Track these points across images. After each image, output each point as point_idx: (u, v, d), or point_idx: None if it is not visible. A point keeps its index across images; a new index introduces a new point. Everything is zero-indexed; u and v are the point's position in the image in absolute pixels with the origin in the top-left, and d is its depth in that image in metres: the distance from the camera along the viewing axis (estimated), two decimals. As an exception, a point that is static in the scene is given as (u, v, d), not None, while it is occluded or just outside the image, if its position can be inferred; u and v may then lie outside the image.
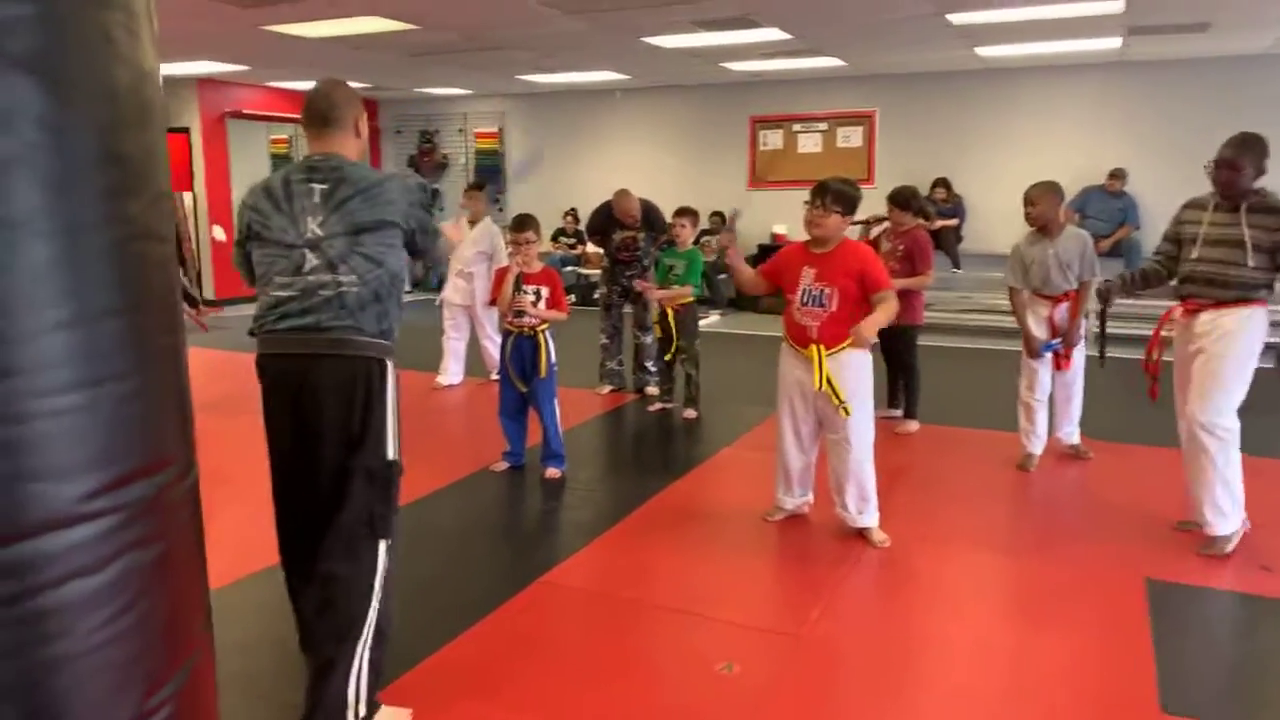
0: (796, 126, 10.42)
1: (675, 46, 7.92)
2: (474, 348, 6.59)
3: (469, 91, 11.77)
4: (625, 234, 6.18)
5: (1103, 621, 3.04)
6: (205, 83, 10.30)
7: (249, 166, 10.65)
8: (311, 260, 2.28)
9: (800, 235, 10.41)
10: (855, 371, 3.53)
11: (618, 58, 8.74)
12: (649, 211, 6.20)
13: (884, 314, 3.44)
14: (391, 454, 2.33)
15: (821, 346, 3.47)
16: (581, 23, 6.83)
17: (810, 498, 3.91)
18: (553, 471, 4.46)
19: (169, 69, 9.44)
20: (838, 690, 2.69)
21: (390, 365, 2.36)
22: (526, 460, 4.62)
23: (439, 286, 11.66)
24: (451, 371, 6.53)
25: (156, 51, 0.93)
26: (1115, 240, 8.70)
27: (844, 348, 3.48)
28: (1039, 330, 4.48)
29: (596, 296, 7.02)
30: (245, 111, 10.73)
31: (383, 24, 6.89)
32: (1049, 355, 4.50)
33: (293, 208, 2.30)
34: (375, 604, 2.31)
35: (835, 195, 3.44)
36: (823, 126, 10.30)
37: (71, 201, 0.83)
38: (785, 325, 3.64)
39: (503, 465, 4.61)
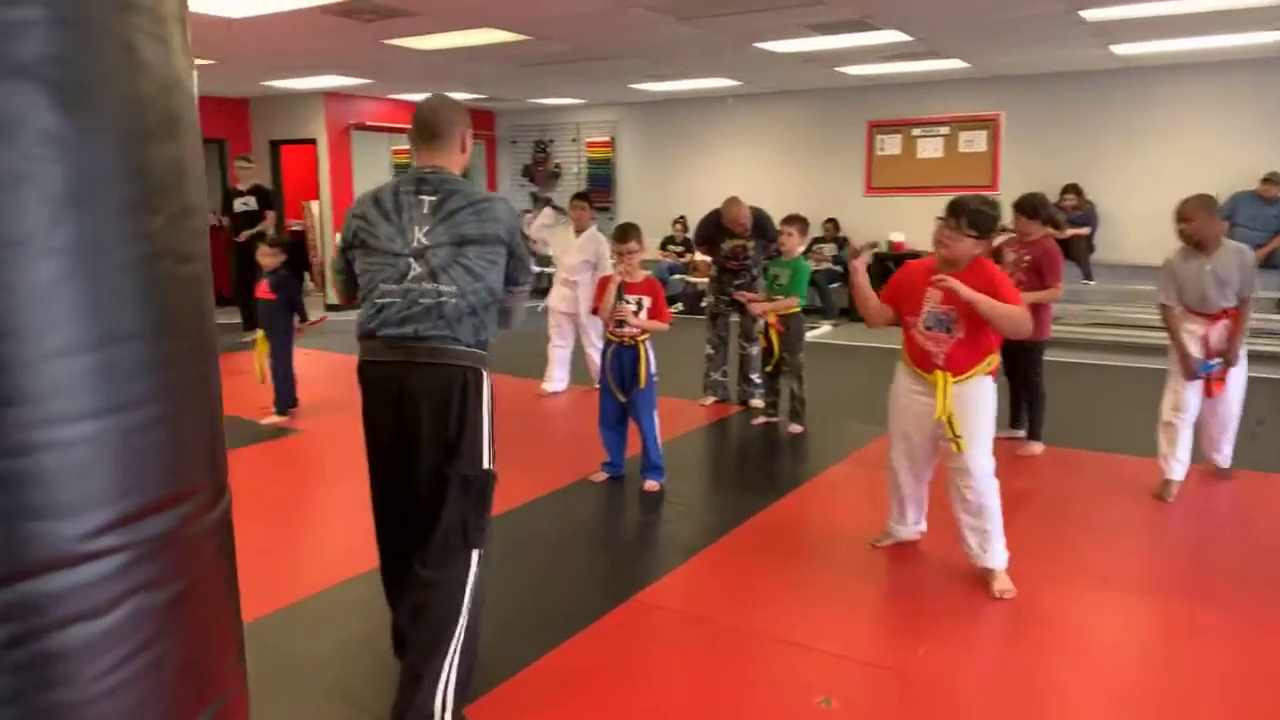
0: (916, 131, 10.05)
1: (789, 51, 7.74)
2: (580, 355, 6.58)
3: (582, 101, 11.86)
4: (734, 243, 6.04)
5: (1261, 673, 2.73)
6: (331, 96, 10.71)
7: (372, 176, 11.01)
8: (415, 269, 2.31)
9: (920, 243, 10.03)
10: (979, 401, 3.28)
11: (730, 64, 8.62)
12: (759, 219, 6.05)
13: (1003, 315, 3.16)
14: (487, 463, 2.33)
15: (948, 375, 3.25)
16: (693, 29, 6.75)
17: (923, 526, 3.69)
18: (651, 484, 4.37)
19: (298, 83, 9.86)
20: (948, 736, 2.49)
21: (486, 375, 2.36)
22: (626, 471, 4.55)
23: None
24: (556, 379, 6.53)
25: (189, 59, 0.87)
26: (1270, 250, 8.00)
27: (970, 375, 3.25)
28: (1194, 349, 4.13)
29: (703, 305, 6.90)
30: (368, 123, 11.11)
31: (496, 35, 6.98)
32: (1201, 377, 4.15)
33: (401, 218, 2.34)
34: (466, 613, 2.31)
35: (972, 218, 3.17)
36: (944, 130, 9.89)
37: (84, 218, 0.77)
38: (905, 346, 3.43)
39: (602, 476, 4.55)
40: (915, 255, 9.82)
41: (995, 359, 3.33)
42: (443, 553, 2.28)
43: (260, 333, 5.65)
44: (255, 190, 8.97)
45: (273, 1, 5.84)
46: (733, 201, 6.00)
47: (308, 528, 4.03)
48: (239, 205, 8.94)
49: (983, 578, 3.33)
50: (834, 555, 3.64)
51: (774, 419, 5.63)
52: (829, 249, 10.32)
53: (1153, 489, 4.27)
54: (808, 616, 3.11)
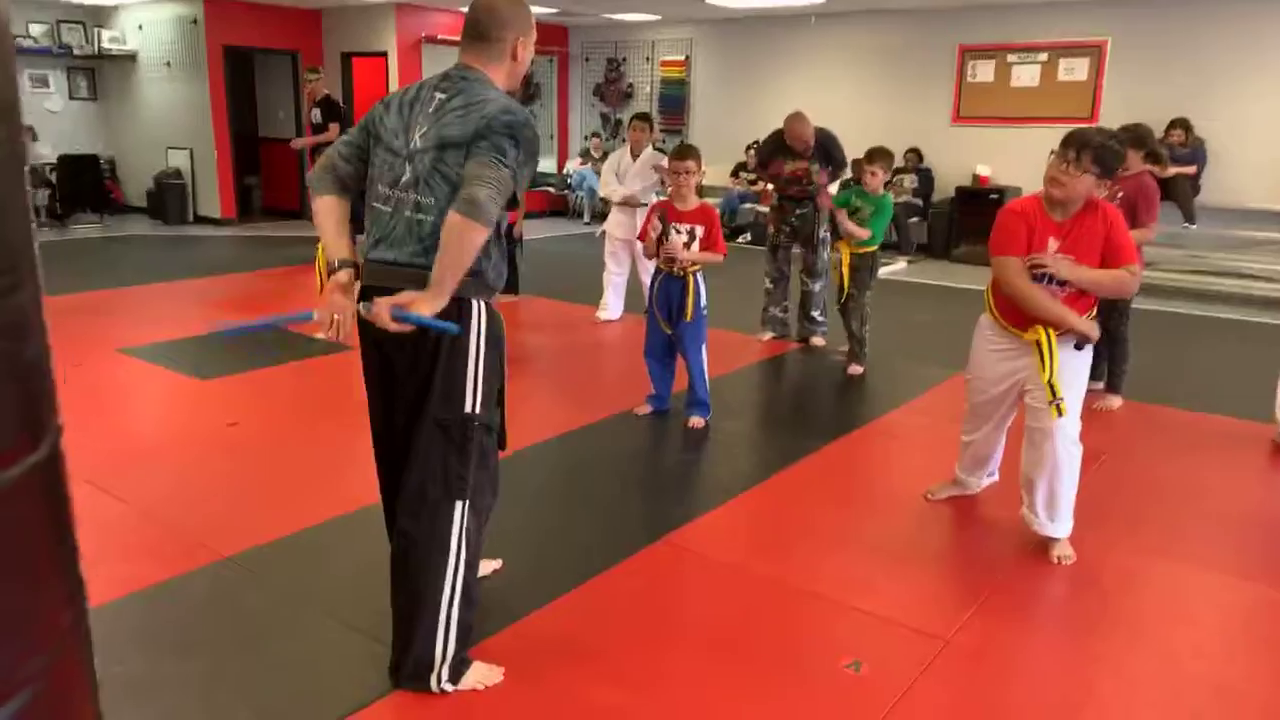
0: (1011, 57, 9.37)
1: (877, -36, 7.20)
2: (635, 282, 6.37)
3: (657, 17, 11.39)
4: (796, 164, 5.68)
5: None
6: (402, 8, 10.49)
7: (440, 92, 10.82)
8: (405, 174, 2.09)
9: (1008, 178, 9.44)
10: (1075, 360, 2.96)
11: (813, -22, 8.09)
12: (825, 141, 5.66)
13: (1103, 282, 2.86)
14: (470, 407, 2.11)
15: (1050, 331, 2.91)
16: (772, -63, 6.29)
17: (996, 477, 3.44)
18: (696, 420, 4.19)
19: (368, -7, 9.66)
20: (983, 708, 2.29)
21: (477, 306, 2.11)
22: (671, 406, 4.38)
23: (587, 217, 11.64)
24: (611, 307, 6.36)
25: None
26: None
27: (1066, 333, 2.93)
28: None
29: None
30: (440, 37, 10.88)
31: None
32: None
33: (411, 113, 2.12)
34: (453, 567, 2.14)
35: (1097, 153, 2.77)
36: (1042, 57, 9.19)
37: None
38: (994, 296, 3.08)
39: (646, 409, 4.39)
40: (1001, 191, 9.28)
41: (1095, 310, 3.00)
42: (419, 502, 2.11)
43: (320, 245, 5.59)
44: (323, 102, 8.88)
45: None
46: (796, 116, 5.61)
47: (343, 447, 3.97)
48: (312, 117, 8.88)
49: (1044, 542, 3.08)
50: (884, 507, 3.43)
51: (841, 354, 5.36)
52: (909, 181, 9.80)
53: (1263, 455, 3.92)
54: (847, 571, 2.92)
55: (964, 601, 2.75)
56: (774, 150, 5.73)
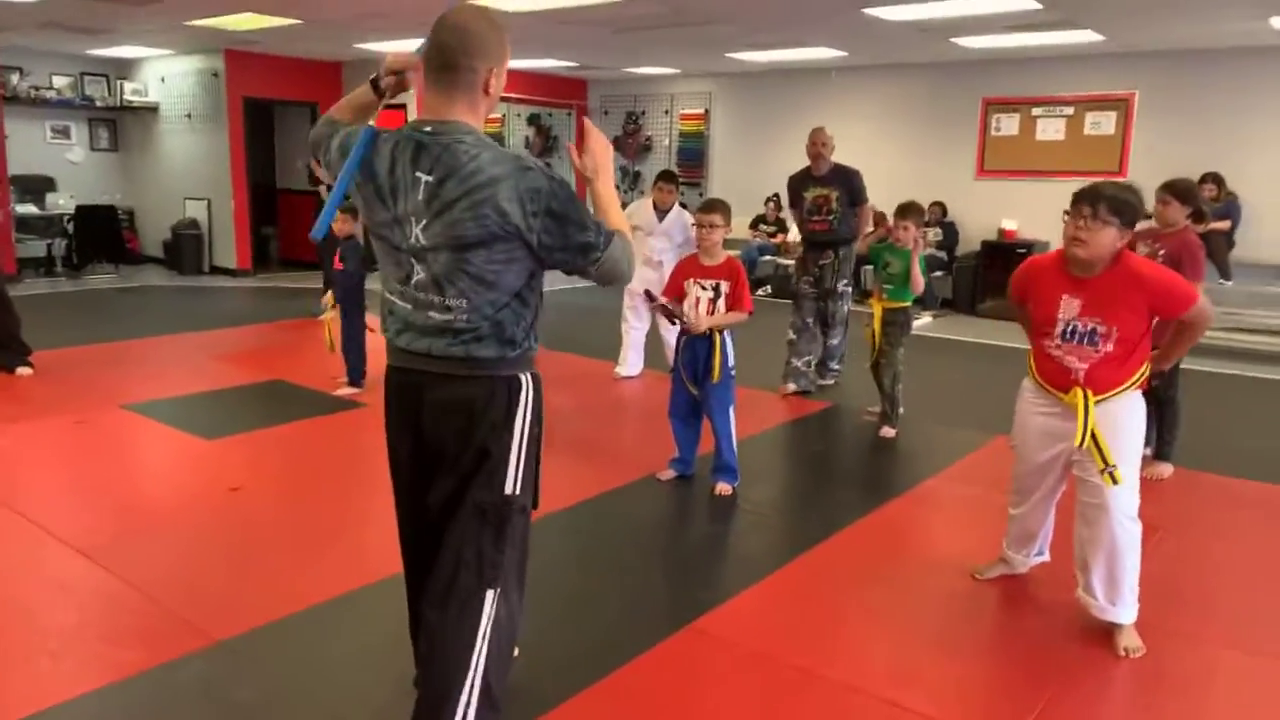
0: (1036, 110, 9.26)
1: (900, 19, 7.12)
2: (655, 338, 6.19)
3: (676, 71, 11.39)
4: (818, 191, 5.72)
5: None
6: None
7: (459, 144, 10.80)
8: (419, 273, 1.86)
9: (1033, 232, 9.29)
10: (1127, 424, 2.74)
11: (835, 32, 8.03)
12: (846, 171, 5.75)
13: (1184, 346, 2.70)
14: (512, 488, 1.92)
15: (1089, 393, 2.72)
16: (796, -10, 6.22)
17: (1046, 556, 3.20)
18: (723, 487, 3.97)
19: (389, 45, 9.67)
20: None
21: (526, 382, 1.93)
22: (696, 470, 4.16)
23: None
24: (630, 362, 6.17)
25: None
26: None
27: (1118, 393, 2.72)
28: None
29: (792, 287, 6.47)
30: (459, 89, 10.88)
31: (587, -5, 6.60)
32: None
33: (396, 202, 1.84)
34: (477, 662, 1.91)
35: (1111, 203, 2.61)
36: (1068, 110, 9.08)
37: None
38: (1034, 357, 2.90)
39: (669, 474, 4.17)
40: (1029, 246, 9.10)
41: (1146, 370, 2.79)
42: (450, 593, 1.90)
43: (328, 298, 5.46)
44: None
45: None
46: (816, 129, 5.76)
47: (349, 515, 3.77)
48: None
49: (1107, 629, 2.83)
50: (927, 587, 3.18)
51: (872, 416, 5.15)
52: (933, 234, 9.64)
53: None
54: (890, 662, 2.67)
55: (1024, 700, 2.49)
56: (800, 180, 5.81)
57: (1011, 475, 3.11)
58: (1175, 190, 4.16)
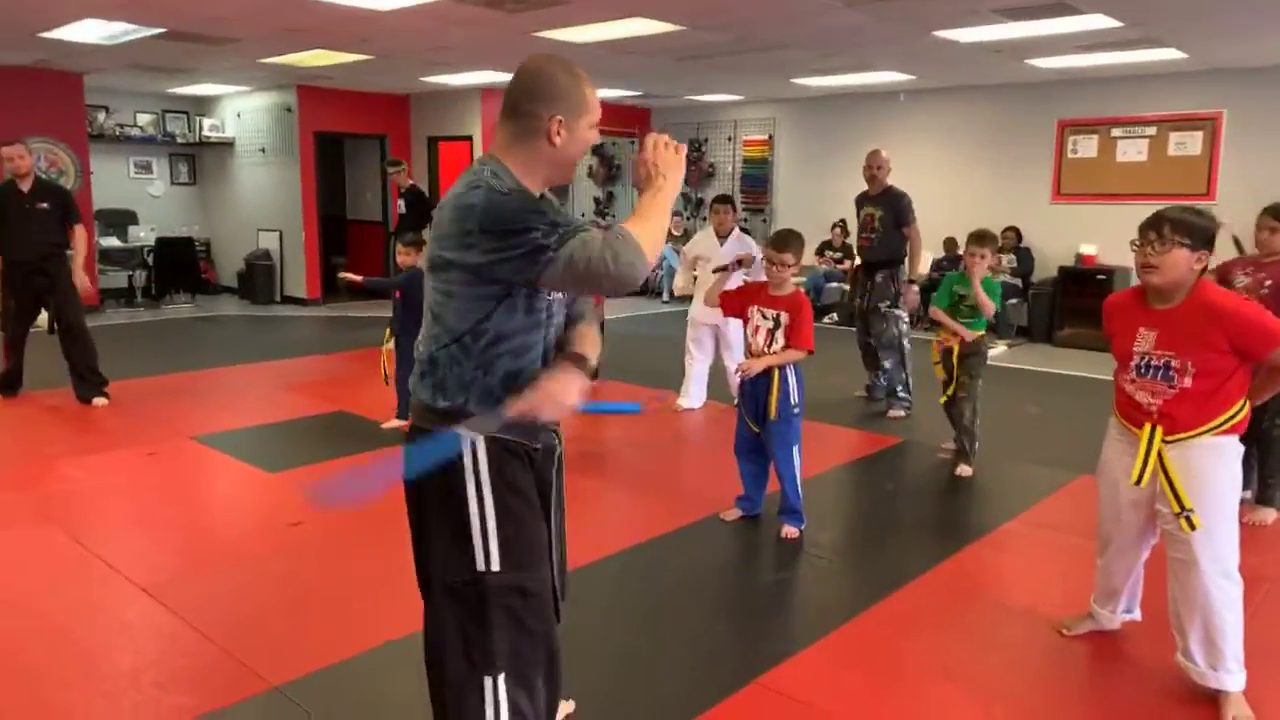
0: (1116, 131, 8.92)
1: (972, 41, 6.93)
2: (718, 370, 6.07)
3: (739, 97, 11.32)
4: (867, 211, 5.98)
5: None
6: (488, 92, 10.64)
7: (523, 173, 10.88)
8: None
9: (1114, 257, 8.92)
10: (1214, 471, 2.53)
11: (904, 55, 7.87)
12: (894, 192, 5.91)
13: (1273, 388, 2.50)
14: (483, 564, 1.73)
15: (1159, 430, 2.54)
16: (863, 15, 6.10)
17: (1137, 615, 2.98)
18: (789, 530, 3.82)
19: (454, 79, 9.81)
20: None
21: (471, 447, 1.73)
22: (763, 510, 4.01)
23: (666, 296, 11.39)
24: (693, 395, 6.05)
25: None
26: None
27: (1198, 434, 2.52)
28: None
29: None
30: (523, 120, 10.98)
31: (650, 25, 6.56)
32: None
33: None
34: None
35: (1175, 225, 2.46)
36: (1150, 131, 8.72)
37: None
38: (1116, 393, 2.73)
39: (735, 513, 4.03)
40: (1109, 272, 8.75)
41: (1242, 412, 2.57)
42: (442, 685, 1.79)
43: (388, 330, 5.47)
44: (408, 193, 8.97)
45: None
46: (872, 151, 6.03)
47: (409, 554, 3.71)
48: (400, 207, 9.01)
49: (1210, 696, 2.60)
50: (1012, 642, 2.98)
51: (946, 454, 4.94)
52: (1007, 260, 9.34)
53: None
54: (975, 729, 2.49)
55: (1124, 778, 2.29)
56: (859, 200, 6.10)
57: (1098, 520, 2.91)
58: (1278, 213, 3.91)
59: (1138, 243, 2.55)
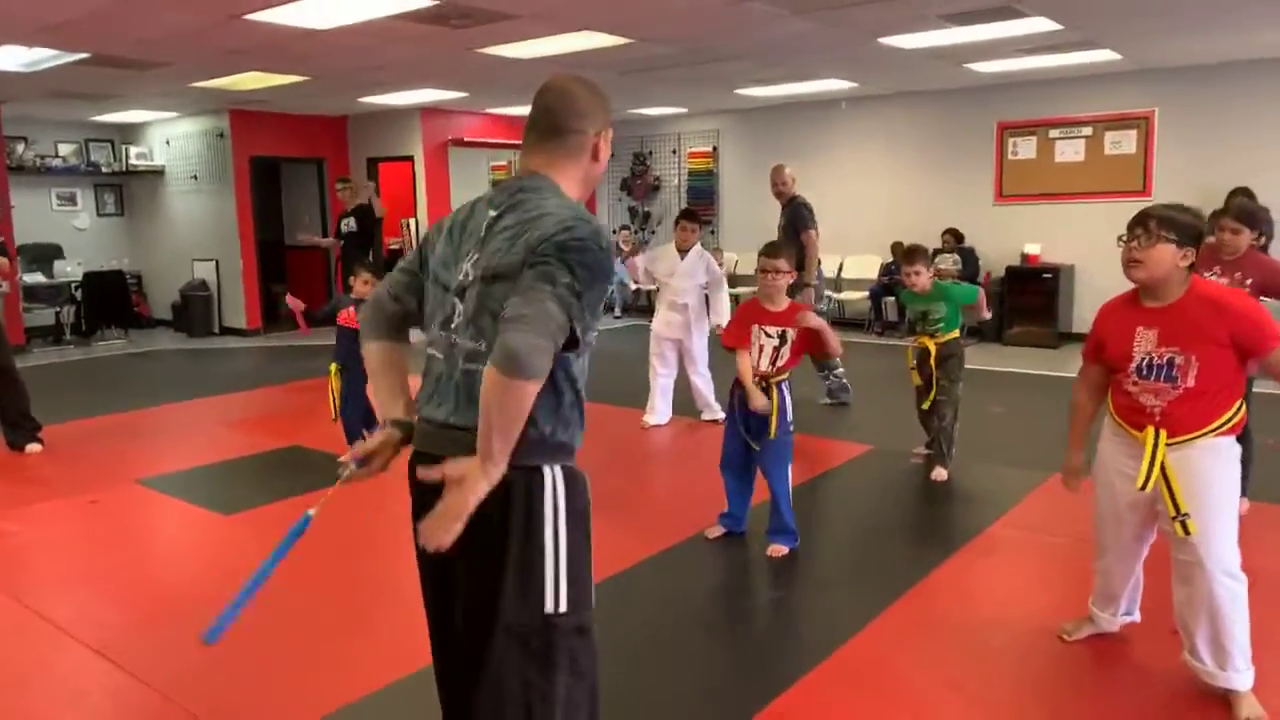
0: (1054, 132, 9.10)
1: (917, 47, 6.99)
2: (683, 383, 5.98)
3: (683, 110, 11.31)
4: (779, 222, 6.37)
5: None
6: (428, 112, 10.45)
7: (469, 193, 10.61)
8: (457, 314, 1.68)
9: (1059, 255, 9.06)
10: (1215, 471, 2.50)
11: (847, 63, 7.91)
12: (793, 200, 6.23)
13: None
14: (553, 605, 1.60)
15: (1163, 433, 2.51)
16: (810, 23, 6.09)
17: (1136, 616, 2.94)
18: (778, 548, 3.72)
19: (394, 99, 9.61)
20: None
21: (552, 475, 1.62)
22: (748, 526, 3.92)
23: (618, 310, 11.30)
24: (659, 411, 5.95)
25: None
26: None
27: (1200, 435, 2.50)
28: None
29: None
30: (466, 139, 10.81)
31: (597, 39, 6.48)
32: None
33: (459, 239, 1.72)
34: None
35: (1161, 221, 2.46)
36: (1086, 131, 8.92)
37: None
38: (1112, 394, 2.68)
39: (718, 531, 3.93)
40: (1054, 270, 8.90)
41: (1239, 413, 2.56)
42: None
43: (333, 366, 5.17)
44: (356, 211, 8.73)
45: (356, 10, 5.47)
46: (774, 168, 6.35)
47: (379, 598, 3.54)
48: (344, 226, 8.74)
49: (1220, 695, 2.57)
50: (1015, 651, 2.91)
51: (919, 459, 4.93)
52: (952, 262, 9.43)
53: None
54: (993, 747, 2.41)
55: (1151, 789, 2.23)
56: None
57: (1094, 523, 2.87)
58: (1239, 215, 3.92)
59: (1124, 239, 2.54)
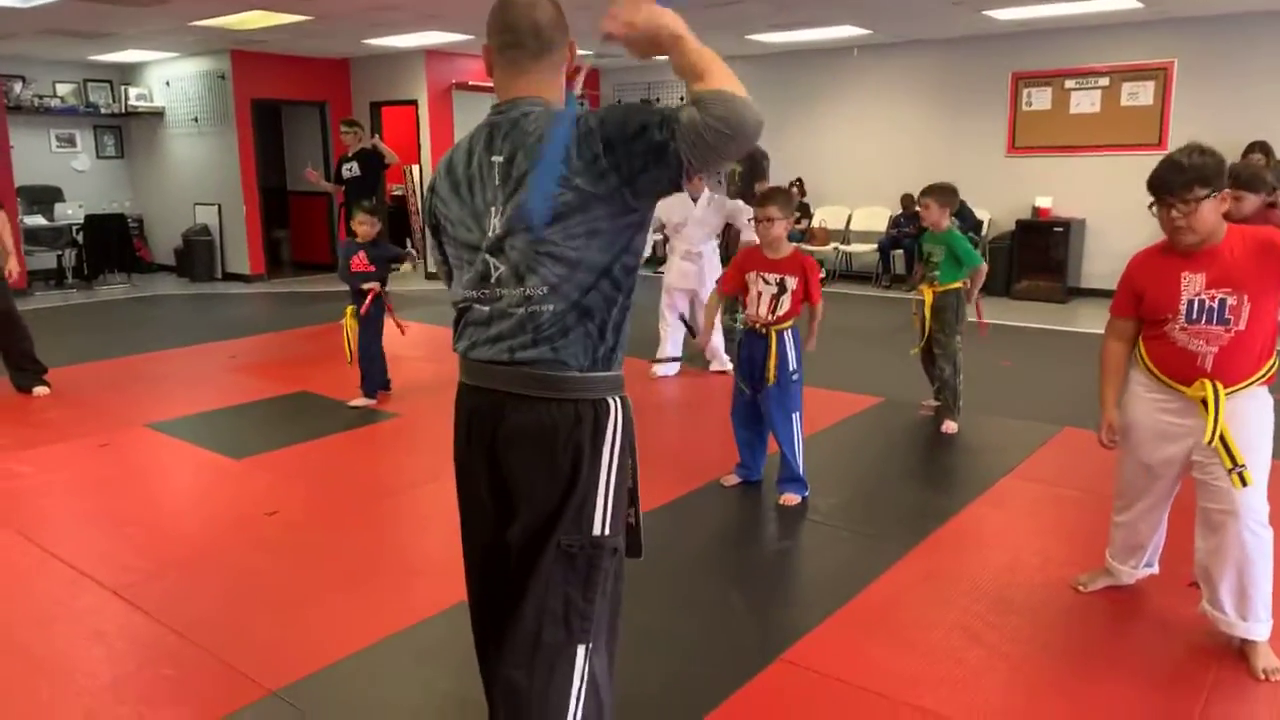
0: (1069, 83, 8.95)
1: (935, -9, 6.83)
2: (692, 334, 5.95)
3: (692, 56, 11.09)
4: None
5: None
6: (433, 55, 10.26)
7: (472, 138, 10.54)
8: (497, 268, 1.65)
9: (1071, 208, 8.97)
10: (1258, 420, 2.49)
11: (862, 8, 7.74)
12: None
13: None
14: (600, 528, 1.66)
15: (1219, 384, 2.46)
16: (829, -34, 5.94)
17: (1155, 569, 2.95)
18: (790, 497, 3.73)
19: (399, 41, 9.42)
20: None
21: (615, 405, 1.68)
22: (763, 475, 3.93)
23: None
24: (669, 362, 5.92)
25: None
26: None
27: (1245, 386, 2.47)
28: None
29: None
30: (471, 83, 10.63)
31: (608, -21, 6.31)
32: None
33: (474, 194, 1.68)
34: None
35: (1191, 173, 2.38)
36: (1103, 82, 8.77)
37: None
38: (1149, 348, 2.63)
39: (734, 480, 3.94)
40: (1065, 224, 8.82)
41: (1276, 363, 2.53)
42: (535, 650, 1.66)
43: (350, 308, 5.20)
44: (360, 155, 8.61)
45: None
46: None
47: (396, 540, 3.55)
48: (345, 171, 8.61)
49: (1238, 647, 2.59)
50: (1031, 603, 2.92)
51: (928, 411, 4.94)
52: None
53: None
54: (1010, 692, 2.43)
55: (1167, 737, 2.25)
56: None
57: (1116, 477, 2.86)
58: (1237, 179, 3.82)
59: (1155, 206, 2.47)
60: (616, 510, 1.70)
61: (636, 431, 1.73)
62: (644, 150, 1.52)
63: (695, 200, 5.69)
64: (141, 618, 2.87)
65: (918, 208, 4.74)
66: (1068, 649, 2.67)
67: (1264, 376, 2.49)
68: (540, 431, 1.63)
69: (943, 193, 4.66)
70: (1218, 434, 2.45)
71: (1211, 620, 2.62)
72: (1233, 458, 2.44)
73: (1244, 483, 2.45)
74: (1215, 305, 2.45)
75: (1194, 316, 2.48)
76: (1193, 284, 2.47)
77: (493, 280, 1.65)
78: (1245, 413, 2.47)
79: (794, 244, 3.78)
